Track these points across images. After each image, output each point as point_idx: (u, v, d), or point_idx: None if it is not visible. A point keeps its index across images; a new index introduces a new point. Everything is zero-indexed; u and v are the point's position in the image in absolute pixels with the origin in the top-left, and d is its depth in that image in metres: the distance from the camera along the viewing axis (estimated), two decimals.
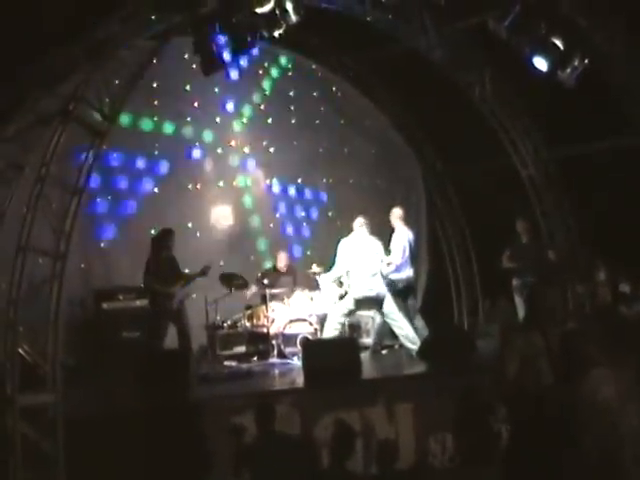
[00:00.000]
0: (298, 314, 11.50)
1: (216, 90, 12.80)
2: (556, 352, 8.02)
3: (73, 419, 7.56)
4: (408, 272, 11.60)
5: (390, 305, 10.81)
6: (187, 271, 10.79)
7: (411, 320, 11.68)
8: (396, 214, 11.78)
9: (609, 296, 10.31)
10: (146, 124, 12.33)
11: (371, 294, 10.76)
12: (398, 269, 11.43)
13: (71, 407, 7.72)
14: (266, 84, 13.45)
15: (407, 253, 11.52)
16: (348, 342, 10.61)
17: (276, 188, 13.50)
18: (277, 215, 13.45)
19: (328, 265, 11.75)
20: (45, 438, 7.25)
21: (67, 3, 8.42)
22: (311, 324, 11.47)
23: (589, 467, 6.18)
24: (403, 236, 11.58)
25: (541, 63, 8.83)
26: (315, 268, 11.92)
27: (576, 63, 8.70)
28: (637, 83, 9.10)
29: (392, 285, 11.43)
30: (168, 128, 12.56)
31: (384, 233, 11.63)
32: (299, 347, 10.79)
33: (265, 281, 11.69)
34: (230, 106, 13.09)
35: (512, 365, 8.16)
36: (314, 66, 13.59)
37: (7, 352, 7.35)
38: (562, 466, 6.28)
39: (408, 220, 12.11)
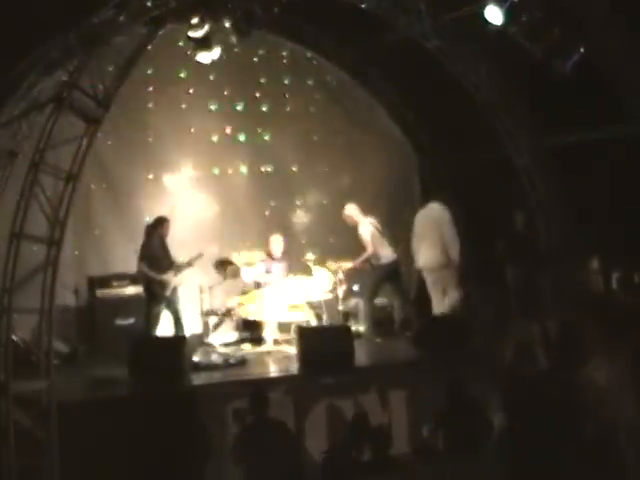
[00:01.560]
0: (292, 301, 11.49)
1: (211, 77, 12.74)
2: (551, 340, 8.04)
3: (67, 406, 7.54)
4: (390, 256, 11.71)
5: None
6: (181, 258, 10.76)
7: (401, 306, 11.82)
8: (350, 210, 11.96)
9: (603, 284, 10.33)
10: (140, 111, 12.24)
11: None
12: (378, 257, 11.56)
13: (65, 394, 7.71)
14: (261, 71, 13.38)
15: (379, 239, 11.71)
16: (342, 329, 10.59)
17: (272, 175, 13.45)
18: (272, 202, 13.40)
19: (321, 252, 11.84)
20: (38, 425, 7.23)
21: None
22: (305, 311, 11.47)
23: (585, 450, 6.22)
24: (367, 226, 11.76)
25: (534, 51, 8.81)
26: (309, 255, 11.93)
27: (572, 51, 8.68)
28: (633, 71, 9.09)
29: (377, 271, 11.65)
30: (162, 114, 12.47)
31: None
32: (293, 334, 10.76)
33: (260, 267, 11.65)
34: (225, 93, 13.02)
35: (507, 352, 8.17)
36: (309, 54, 13.52)
37: (1, 339, 7.32)
38: (558, 450, 6.31)
39: (401, 206, 12.14)
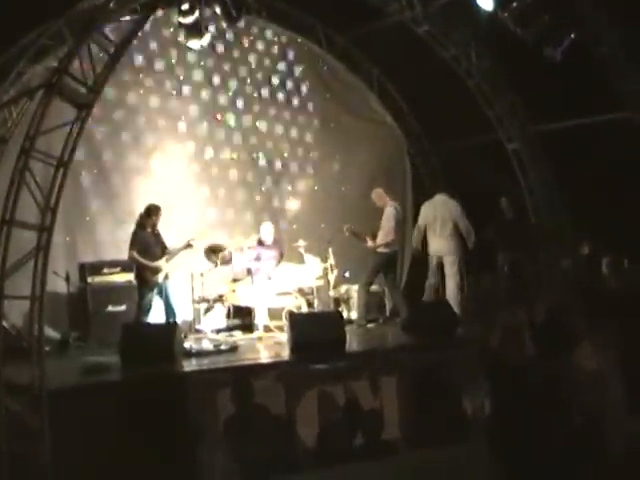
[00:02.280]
0: (283, 287, 11.51)
1: (202, 63, 12.73)
2: (539, 326, 8.07)
3: (58, 392, 7.54)
4: (395, 246, 11.67)
5: None
6: (172, 245, 10.76)
7: (391, 293, 11.84)
8: (378, 193, 11.83)
9: (593, 270, 10.36)
10: (131, 97, 12.22)
11: None
12: (389, 244, 11.53)
13: (56, 381, 7.71)
14: (252, 58, 13.36)
15: (396, 227, 11.63)
16: (333, 315, 10.58)
17: (262, 162, 13.44)
18: (263, 189, 13.41)
19: (313, 239, 11.87)
20: (30, 412, 7.22)
21: None
22: (296, 297, 11.49)
23: (574, 433, 6.26)
24: (393, 211, 11.66)
25: (525, 37, 8.82)
26: (301, 242, 11.95)
27: (562, 37, 8.69)
28: (623, 59, 9.10)
29: (376, 258, 11.59)
30: (153, 101, 12.46)
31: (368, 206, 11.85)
32: (284, 320, 10.78)
33: (251, 254, 11.66)
34: (216, 80, 13.01)
35: (494, 338, 8.20)
36: (300, 40, 13.51)
37: None
38: (547, 434, 6.35)
39: (393, 196, 12.11)
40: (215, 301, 11.59)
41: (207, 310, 11.56)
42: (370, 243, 11.57)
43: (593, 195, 10.24)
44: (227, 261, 11.58)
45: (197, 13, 8.75)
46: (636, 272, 9.70)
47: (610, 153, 9.75)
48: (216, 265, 11.56)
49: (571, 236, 10.95)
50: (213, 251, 11.57)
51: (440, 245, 11.56)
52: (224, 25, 9.31)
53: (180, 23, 9.11)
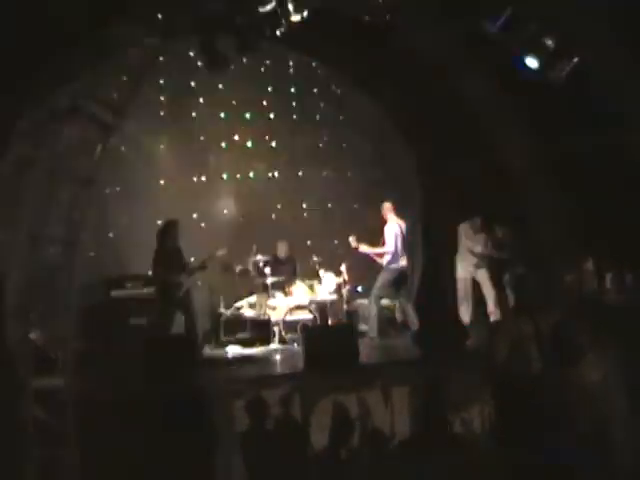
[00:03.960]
0: (298, 302, 11.57)
1: (220, 87, 12.82)
2: (545, 339, 8.07)
3: (83, 401, 7.59)
4: (402, 262, 11.72)
5: None
6: (192, 259, 10.83)
7: (403, 307, 11.86)
8: (387, 208, 11.93)
9: (596, 285, 10.35)
10: (153, 118, 12.33)
11: None
12: (394, 259, 11.56)
13: (81, 390, 7.76)
14: (268, 81, 13.45)
15: (399, 243, 11.71)
16: (346, 328, 10.66)
17: (278, 181, 13.51)
18: (278, 206, 13.47)
19: (327, 254, 11.92)
20: (56, 419, 7.29)
21: (79, 4, 8.41)
22: (310, 311, 11.56)
23: (581, 446, 6.26)
24: (394, 226, 11.77)
25: (532, 62, 8.83)
26: (315, 258, 12.01)
27: (565, 61, 8.71)
28: (625, 82, 9.12)
29: (387, 274, 11.60)
30: (174, 122, 12.57)
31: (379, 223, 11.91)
32: (299, 333, 10.83)
33: (266, 270, 11.75)
34: (233, 102, 13.09)
35: (502, 350, 8.21)
36: (314, 64, 13.60)
37: (20, 337, 7.38)
38: (554, 444, 6.35)
39: (401, 212, 12.17)
40: (233, 314, 11.65)
41: (226, 322, 11.61)
42: (378, 259, 11.68)
43: (597, 212, 10.23)
44: (244, 276, 11.67)
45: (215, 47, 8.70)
46: (637, 289, 9.70)
47: (614, 172, 9.75)
48: (234, 280, 11.67)
49: (576, 252, 10.93)
50: (231, 266, 11.70)
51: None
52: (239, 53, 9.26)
53: (200, 49, 9.14)
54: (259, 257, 12.01)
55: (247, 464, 7.49)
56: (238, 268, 11.83)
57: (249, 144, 13.31)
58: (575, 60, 8.62)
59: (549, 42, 8.59)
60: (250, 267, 11.94)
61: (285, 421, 7.88)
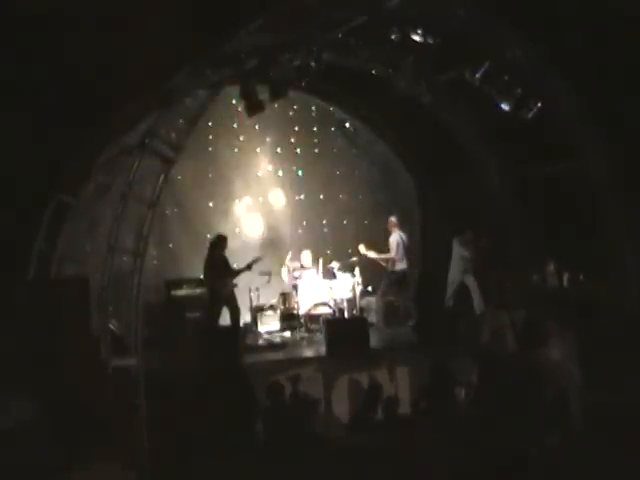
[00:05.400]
0: (321, 299, 11.65)
1: (257, 127, 12.97)
2: (518, 326, 8.18)
3: (150, 378, 7.77)
4: (403, 265, 11.82)
5: None
6: (236, 266, 10.95)
7: (405, 303, 11.92)
8: (392, 222, 12.07)
9: (557, 283, 10.38)
10: (203, 153, 12.45)
11: None
12: (397, 263, 11.68)
13: (148, 369, 7.94)
14: (295, 122, 13.61)
15: (401, 250, 11.81)
16: (360, 320, 10.74)
17: (303, 202, 13.66)
18: (304, 222, 13.60)
19: (343, 260, 12.02)
20: (130, 391, 7.46)
21: (145, 59, 8.57)
22: (330, 307, 11.60)
23: (547, 408, 6.35)
24: (397, 237, 11.88)
25: (505, 105, 8.97)
26: (334, 263, 12.10)
27: (531, 104, 8.82)
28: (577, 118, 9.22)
29: (391, 275, 11.67)
30: (220, 156, 12.71)
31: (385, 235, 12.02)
32: (322, 324, 10.92)
33: (295, 274, 11.88)
34: (267, 140, 13.25)
35: (485, 336, 8.32)
36: (332, 108, 13.73)
37: (102, 326, 7.59)
38: (526, 409, 6.44)
39: (403, 225, 12.31)
40: (268, 309, 11.74)
41: (263, 316, 11.70)
42: (383, 264, 11.77)
43: (558, 227, 10.26)
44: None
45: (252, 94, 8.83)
46: (589, 285, 9.74)
47: (571, 193, 9.79)
48: (268, 281, 11.76)
49: (540, 257, 10.96)
50: (267, 271, 11.82)
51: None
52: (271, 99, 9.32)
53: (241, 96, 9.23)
54: (289, 264, 12.13)
55: (278, 426, 7.56)
56: (272, 272, 11.92)
57: (280, 173, 13.40)
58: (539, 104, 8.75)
59: (518, 90, 8.74)
60: (283, 272, 12.03)
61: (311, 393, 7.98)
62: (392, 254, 11.74)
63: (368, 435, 7.31)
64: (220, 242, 10.70)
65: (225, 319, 10.66)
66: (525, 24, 8.66)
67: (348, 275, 12.00)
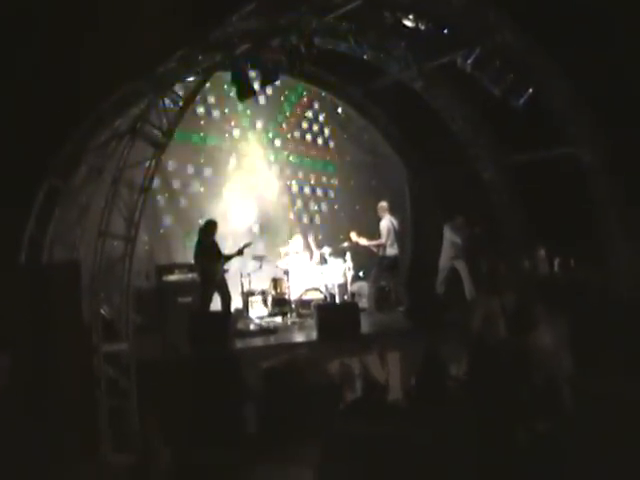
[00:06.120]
0: (312, 284, 11.65)
1: (248, 112, 12.94)
2: (509, 312, 8.18)
3: (141, 363, 7.75)
4: (394, 251, 11.78)
5: None
6: (226, 251, 10.93)
7: (396, 288, 11.93)
8: (382, 206, 11.97)
9: (547, 268, 10.42)
10: (194, 138, 12.49)
11: None
12: (388, 249, 11.66)
13: (140, 354, 7.91)
14: (286, 107, 13.57)
15: (392, 235, 11.71)
16: (351, 306, 10.72)
17: (295, 188, 13.62)
18: (295, 208, 13.57)
19: (336, 246, 12.01)
20: (121, 376, 7.45)
21: (137, 44, 8.53)
22: (321, 292, 11.61)
23: (537, 392, 6.38)
24: (388, 222, 11.76)
25: (496, 91, 8.95)
26: (325, 249, 12.09)
27: (522, 90, 8.82)
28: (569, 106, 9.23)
29: (382, 261, 11.69)
30: (211, 141, 12.70)
31: (375, 221, 11.96)
32: (313, 309, 10.91)
33: (286, 258, 11.87)
34: (259, 125, 13.22)
35: (477, 321, 8.31)
36: (324, 93, 13.69)
37: (92, 312, 7.57)
38: (517, 393, 6.45)
39: (394, 211, 12.26)
40: (259, 294, 11.73)
41: (253, 302, 11.69)
42: (374, 250, 11.78)
43: (549, 213, 10.29)
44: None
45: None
46: (580, 271, 9.77)
47: (561, 179, 9.82)
48: (260, 267, 11.75)
49: (531, 243, 10.99)
50: (258, 256, 11.80)
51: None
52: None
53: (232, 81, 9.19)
54: (281, 249, 12.12)
55: (270, 409, 7.55)
56: (264, 257, 11.91)
57: (271, 158, 13.36)
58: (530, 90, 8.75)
59: (510, 75, 8.74)
60: (280, 257, 12.03)
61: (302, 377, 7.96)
62: (383, 240, 11.69)
63: (361, 421, 7.32)
64: (211, 227, 10.65)
65: (216, 304, 10.63)
66: (515, 9, 8.65)
67: (339, 260, 12.00)
